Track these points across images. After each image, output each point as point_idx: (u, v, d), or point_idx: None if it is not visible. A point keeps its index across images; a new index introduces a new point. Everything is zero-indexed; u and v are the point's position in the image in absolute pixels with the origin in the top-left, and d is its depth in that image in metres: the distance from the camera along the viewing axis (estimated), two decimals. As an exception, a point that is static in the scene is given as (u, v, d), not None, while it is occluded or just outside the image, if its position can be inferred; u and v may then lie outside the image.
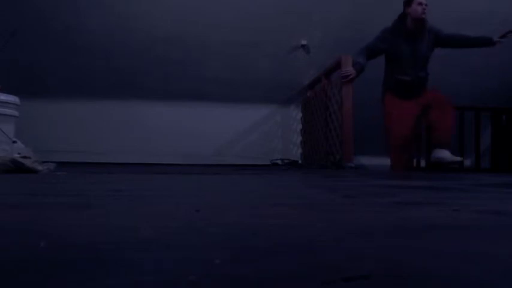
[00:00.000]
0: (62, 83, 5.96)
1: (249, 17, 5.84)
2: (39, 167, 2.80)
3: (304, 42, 6.18)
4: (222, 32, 5.90)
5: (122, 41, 5.87)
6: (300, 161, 6.25)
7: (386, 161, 4.53)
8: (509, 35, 4.35)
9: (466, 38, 4.43)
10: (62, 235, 0.75)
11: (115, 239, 0.72)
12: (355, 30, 5.82)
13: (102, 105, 6.10)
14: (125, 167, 4.66)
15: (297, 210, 1.18)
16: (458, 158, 4.20)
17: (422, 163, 5.12)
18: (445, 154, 4.10)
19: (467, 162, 5.11)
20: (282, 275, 0.52)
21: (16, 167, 2.63)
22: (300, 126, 6.41)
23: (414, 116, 4.34)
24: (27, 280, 0.49)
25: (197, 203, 1.25)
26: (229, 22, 5.85)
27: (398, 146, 4.36)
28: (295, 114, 6.49)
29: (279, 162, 6.12)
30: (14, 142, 3.38)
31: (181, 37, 5.88)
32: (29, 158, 2.88)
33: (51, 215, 1.00)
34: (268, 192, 1.83)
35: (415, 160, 5.13)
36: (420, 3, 4.21)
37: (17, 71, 5.56)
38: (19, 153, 3.03)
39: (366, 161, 5.29)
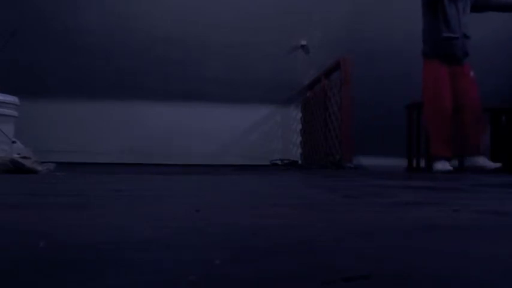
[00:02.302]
0: (62, 83, 5.95)
1: (249, 17, 5.85)
2: (39, 167, 2.80)
3: (304, 42, 6.18)
4: (222, 32, 5.90)
5: (122, 41, 5.87)
6: (299, 161, 6.25)
7: (386, 161, 4.51)
8: None
9: (503, 2, 4.25)
10: (62, 235, 0.75)
11: (115, 239, 0.72)
12: (355, 30, 5.83)
13: (102, 105, 6.09)
14: (125, 167, 4.66)
15: (297, 210, 1.17)
16: (499, 165, 4.09)
17: (422, 163, 5.11)
18: (486, 162, 4.05)
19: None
20: (282, 275, 0.52)
21: (16, 168, 2.63)
22: (299, 126, 6.41)
23: (451, 89, 4.05)
24: (27, 280, 0.49)
25: (197, 203, 1.25)
26: (229, 22, 5.86)
27: (439, 119, 3.99)
28: (295, 114, 6.48)
29: (279, 162, 6.12)
30: (14, 142, 3.37)
31: (181, 37, 5.88)
32: (29, 158, 2.88)
33: (51, 215, 1.00)
34: (268, 192, 1.83)
35: (414, 160, 5.12)
36: None
37: (17, 71, 5.55)
38: (19, 154, 3.02)
39: (366, 161, 5.28)
